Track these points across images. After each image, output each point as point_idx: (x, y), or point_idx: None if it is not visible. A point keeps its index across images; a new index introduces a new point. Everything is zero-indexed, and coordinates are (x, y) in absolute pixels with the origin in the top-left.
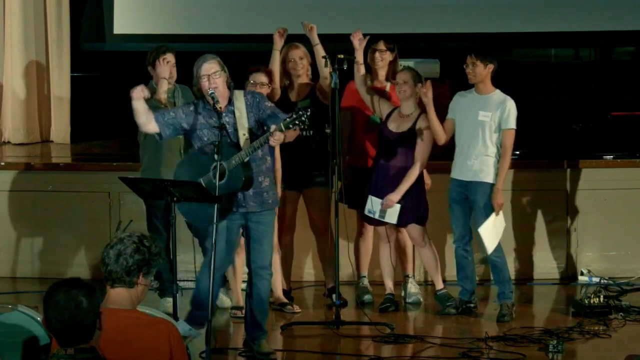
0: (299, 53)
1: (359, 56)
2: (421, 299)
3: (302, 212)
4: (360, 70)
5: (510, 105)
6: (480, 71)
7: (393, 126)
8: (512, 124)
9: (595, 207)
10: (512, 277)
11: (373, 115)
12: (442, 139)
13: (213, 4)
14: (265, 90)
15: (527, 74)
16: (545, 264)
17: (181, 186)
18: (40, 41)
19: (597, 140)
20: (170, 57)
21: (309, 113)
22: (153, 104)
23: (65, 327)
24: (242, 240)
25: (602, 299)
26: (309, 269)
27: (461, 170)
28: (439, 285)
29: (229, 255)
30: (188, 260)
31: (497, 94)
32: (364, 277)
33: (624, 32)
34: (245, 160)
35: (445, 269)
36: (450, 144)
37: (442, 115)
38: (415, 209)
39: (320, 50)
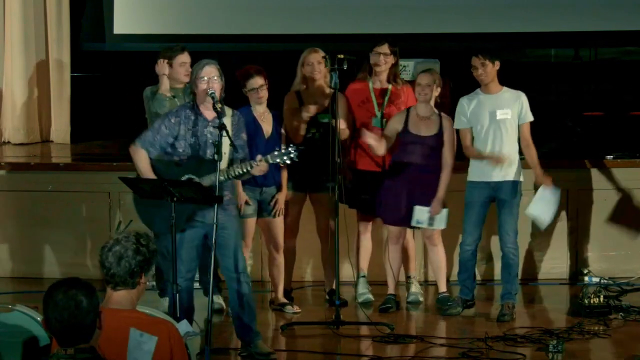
0: (317, 57)
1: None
2: (421, 299)
3: (305, 214)
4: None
5: (525, 99)
6: (491, 70)
7: (417, 130)
8: (530, 116)
9: (595, 207)
10: None
11: (375, 117)
12: (473, 154)
13: (213, 4)
14: (266, 92)
15: (527, 74)
16: (545, 264)
17: (181, 186)
18: (40, 41)
19: (597, 140)
20: (185, 58)
21: (297, 153)
22: (159, 97)
23: (64, 327)
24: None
25: (602, 299)
26: (309, 270)
27: (488, 173)
28: (442, 287)
29: (195, 261)
30: None
31: (508, 91)
32: (364, 276)
33: (624, 32)
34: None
35: (451, 269)
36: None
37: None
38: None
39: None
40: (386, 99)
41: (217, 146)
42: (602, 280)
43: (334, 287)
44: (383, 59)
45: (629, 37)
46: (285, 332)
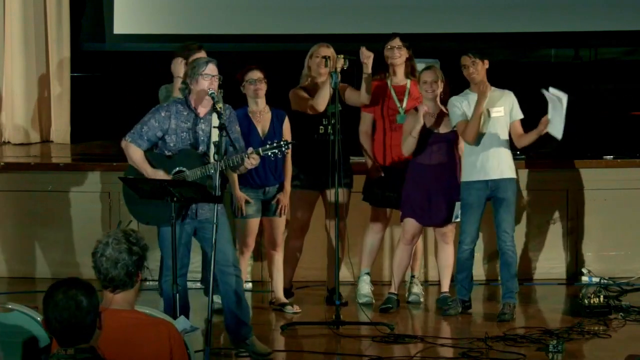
0: (327, 52)
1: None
2: (421, 299)
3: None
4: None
5: (514, 97)
6: (481, 68)
7: (434, 127)
8: (521, 113)
9: (595, 207)
10: None
11: (399, 114)
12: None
13: (213, 4)
14: (264, 85)
15: (527, 74)
16: (545, 264)
17: (181, 186)
18: (40, 41)
19: (597, 140)
20: (202, 56)
21: (288, 147)
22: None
23: (64, 327)
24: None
25: (602, 299)
26: (310, 269)
27: (485, 171)
28: (445, 287)
29: (187, 257)
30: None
31: (497, 90)
32: (367, 273)
33: (624, 32)
34: (210, 173)
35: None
36: None
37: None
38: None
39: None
40: (406, 94)
41: (218, 146)
42: (602, 280)
43: (334, 285)
44: (397, 52)
45: (629, 37)
46: (285, 332)
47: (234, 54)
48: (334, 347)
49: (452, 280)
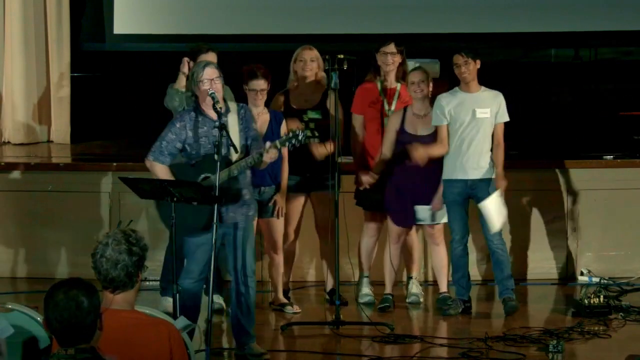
0: (310, 54)
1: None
2: (421, 300)
3: (305, 214)
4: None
5: (503, 99)
6: (473, 68)
7: (414, 129)
8: (507, 116)
9: (595, 207)
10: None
11: (387, 117)
12: (445, 150)
13: (213, 4)
14: (265, 95)
15: (527, 74)
16: (545, 264)
17: (181, 186)
18: (40, 41)
19: (597, 140)
20: (208, 57)
21: (305, 135)
22: (170, 91)
23: (65, 327)
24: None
25: (602, 299)
26: (309, 269)
27: (464, 170)
28: (443, 287)
29: (210, 262)
30: None
31: (487, 90)
32: (367, 277)
33: (624, 32)
34: (235, 174)
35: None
36: None
37: None
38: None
39: None
40: (395, 98)
41: (217, 146)
42: (602, 280)
43: (334, 286)
44: (391, 58)
45: (629, 37)
46: (285, 332)
47: (234, 54)
48: (334, 347)
49: (450, 280)
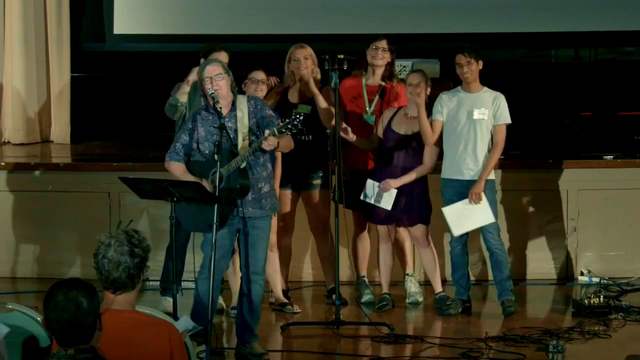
0: (304, 53)
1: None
2: (420, 299)
3: (303, 213)
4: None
5: (503, 100)
6: (475, 69)
7: (401, 128)
8: (508, 118)
9: (595, 207)
10: (512, 277)
11: (366, 114)
12: (431, 139)
13: (213, 4)
14: (265, 88)
15: (527, 74)
16: (546, 264)
17: (181, 186)
18: (40, 41)
19: (597, 140)
20: (222, 57)
21: (301, 118)
22: (171, 102)
23: (64, 327)
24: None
25: (602, 299)
26: (308, 269)
27: (460, 170)
28: (438, 288)
29: (226, 260)
30: (188, 261)
31: (488, 91)
32: (364, 276)
33: (624, 32)
34: (242, 166)
35: (444, 269)
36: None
37: None
38: (422, 209)
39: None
40: (377, 96)
41: (218, 146)
42: (602, 280)
43: (333, 285)
44: (381, 53)
45: (629, 37)
46: (285, 332)
47: (234, 54)
48: (334, 347)
49: (448, 280)
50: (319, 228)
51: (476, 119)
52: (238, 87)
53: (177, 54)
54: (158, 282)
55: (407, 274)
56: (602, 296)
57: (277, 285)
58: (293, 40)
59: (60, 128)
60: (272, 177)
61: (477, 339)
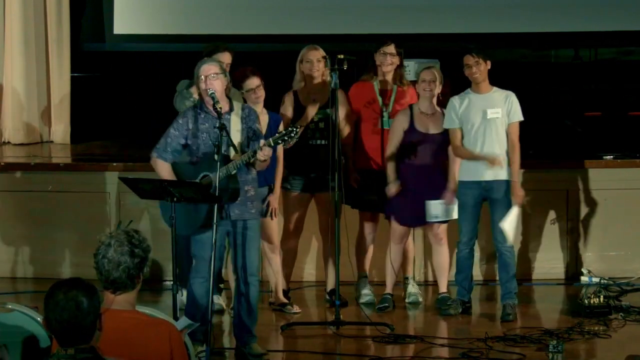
0: (317, 54)
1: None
2: (420, 299)
3: (308, 215)
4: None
5: (515, 98)
6: (484, 69)
7: (425, 127)
8: (520, 115)
9: (595, 207)
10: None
11: (384, 118)
12: (462, 154)
13: (213, 4)
14: (263, 92)
15: (527, 74)
16: (545, 264)
17: (181, 186)
18: (40, 41)
19: (597, 140)
20: (223, 57)
21: (298, 131)
22: (185, 95)
23: (64, 327)
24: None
25: (602, 299)
26: (309, 270)
27: (478, 171)
28: (443, 288)
29: (218, 260)
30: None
31: (498, 90)
32: (365, 277)
33: (624, 32)
34: (233, 172)
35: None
36: None
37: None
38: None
39: None
40: (392, 99)
41: (218, 146)
42: (602, 280)
43: (334, 286)
44: (390, 59)
45: (629, 37)
46: (285, 332)
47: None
48: (334, 347)
49: (450, 280)
50: (328, 229)
51: (490, 119)
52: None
53: (177, 54)
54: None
55: (407, 277)
56: (602, 296)
57: (278, 285)
58: (293, 40)
59: (60, 128)
60: (257, 181)
61: (477, 339)
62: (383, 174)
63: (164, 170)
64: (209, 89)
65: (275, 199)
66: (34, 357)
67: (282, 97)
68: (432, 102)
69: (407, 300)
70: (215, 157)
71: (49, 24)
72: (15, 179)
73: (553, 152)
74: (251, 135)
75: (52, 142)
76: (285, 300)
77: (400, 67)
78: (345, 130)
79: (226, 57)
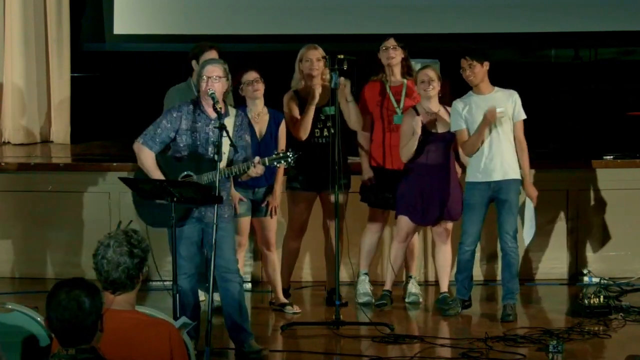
0: (316, 54)
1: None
2: (420, 299)
3: (313, 213)
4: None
5: (518, 97)
6: (479, 71)
7: (431, 126)
8: (524, 114)
9: (595, 207)
10: None
11: (396, 115)
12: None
13: (213, 4)
14: (262, 86)
15: (527, 74)
16: (545, 264)
17: (181, 187)
18: (40, 41)
19: (597, 140)
20: (212, 55)
21: (295, 157)
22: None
23: (65, 327)
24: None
25: (602, 299)
26: (309, 269)
27: (487, 172)
28: (444, 287)
29: (197, 257)
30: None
31: (500, 90)
32: (366, 274)
33: (624, 32)
34: (221, 178)
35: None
36: None
37: None
38: (459, 203)
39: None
40: (403, 94)
41: (217, 147)
42: (602, 280)
43: (334, 286)
44: (392, 52)
45: (629, 37)
46: (285, 332)
47: (234, 54)
48: (334, 347)
49: (451, 280)
50: (333, 228)
51: (497, 119)
52: (235, 94)
53: (177, 54)
54: (169, 282)
55: (410, 276)
56: (602, 296)
57: (277, 285)
58: (293, 40)
59: (60, 128)
60: (230, 186)
61: (477, 339)
62: (398, 172)
63: (148, 158)
64: (210, 89)
65: (275, 199)
66: (34, 357)
67: (282, 97)
68: (433, 101)
69: (407, 300)
70: (215, 157)
71: (49, 24)
72: (15, 179)
73: (553, 152)
74: (242, 145)
75: (52, 142)
76: (285, 300)
77: (405, 60)
78: (357, 126)
79: (214, 55)
